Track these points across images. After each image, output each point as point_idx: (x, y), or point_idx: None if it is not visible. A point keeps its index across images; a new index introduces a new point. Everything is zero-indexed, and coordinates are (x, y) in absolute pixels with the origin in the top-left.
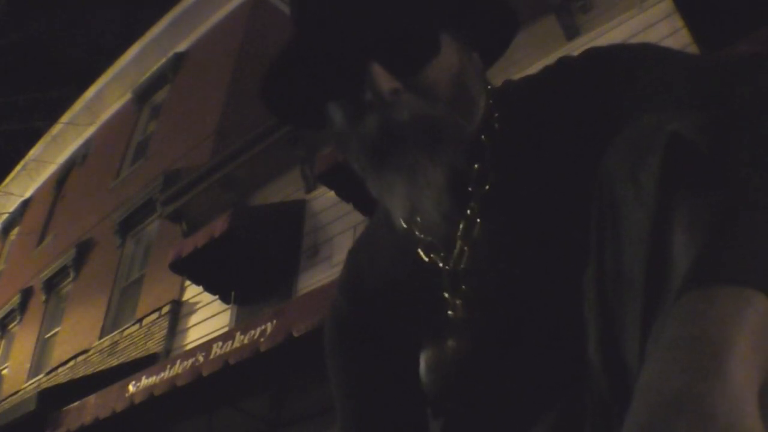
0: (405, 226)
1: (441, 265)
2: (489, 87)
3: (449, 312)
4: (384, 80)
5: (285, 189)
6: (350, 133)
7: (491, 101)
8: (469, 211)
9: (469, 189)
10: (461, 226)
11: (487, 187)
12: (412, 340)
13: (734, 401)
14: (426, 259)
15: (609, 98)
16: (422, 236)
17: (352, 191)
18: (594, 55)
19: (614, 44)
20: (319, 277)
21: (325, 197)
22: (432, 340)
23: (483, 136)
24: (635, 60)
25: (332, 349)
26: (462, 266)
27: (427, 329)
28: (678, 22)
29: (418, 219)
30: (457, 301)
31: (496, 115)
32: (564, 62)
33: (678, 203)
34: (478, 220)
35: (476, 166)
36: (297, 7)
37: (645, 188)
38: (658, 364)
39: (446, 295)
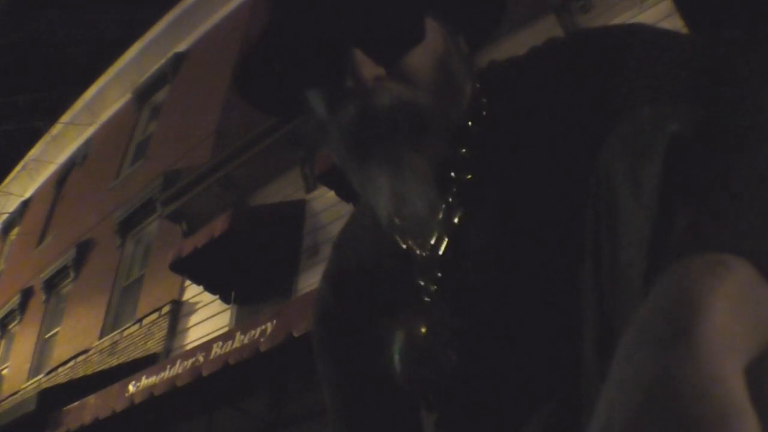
0: (386, 215)
1: (418, 252)
2: (475, 71)
3: (425, 298)
4: (366, 67)
5: (285, 189)
6: (330, 122)
7: (478, 85)
8: (450, 198)
9: (452, 175)
10: (441, 213)
11: (470, 174)
12: (393, 329)
13: (705, 369)
14: (404, 246)
15: (601, 84)
16: (401, 224)
17: (352, 191)
18: (584, 37)
19: (604, 27)
20: (319, 277)
21: (325, 197)
22: (404, 324)
23: (470, 122)
24: (628, 44)
25: (318, 341)
26: (439, 253)
27: (402, 315)
28: (678, 22)
29: (399, 207)
30: (432, 287)
31: (484, 100)
32: (553, 44)
33: (678, 205)
34: (459, 208)
35: (462, 151)
36: None
37: (645, 191)
38: (625, 340)
39: (421, 282)
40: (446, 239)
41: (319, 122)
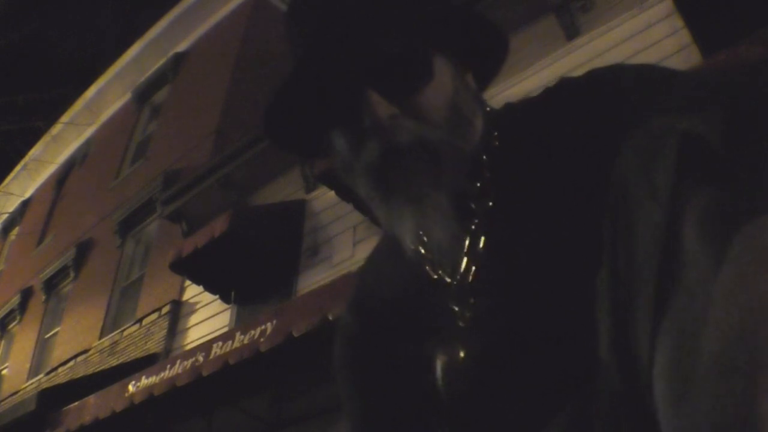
0: (412, 248)
1: (449, 280)
2: (487, 108)
3: (460, 323)
4: (381, 107)
5: (285, 189)
6: (353, 160)
7: (489, 120)
8: (473, 227)
9: (472, 206)
10: (466, 242)
11: (490, 203)
12: (421, 356)
13: None
14: (434, 276)
15: (615, 114)
16: (429, 255)
17: (352, 191)
18: (597, 75)
19: (616, 64)
20: (319, 277)
21: (325, 197)
22: (444, 349)
23: (484, 156)
24: (640, 77)
25: (342, 369)
26: (469, 280)
27: (438, 341)
28: (678, 22)
29: (425, 241)
30: (467, 313)
31: (496, 133)
32: (566, 82)
33: (689, 200)
34: (483, 235)
35: (478, 184)
36: (292, 41)
37: (659, 188)
38: (737, 268)
39: (455, 308)
40: (473, 266)
41: (343, 161)
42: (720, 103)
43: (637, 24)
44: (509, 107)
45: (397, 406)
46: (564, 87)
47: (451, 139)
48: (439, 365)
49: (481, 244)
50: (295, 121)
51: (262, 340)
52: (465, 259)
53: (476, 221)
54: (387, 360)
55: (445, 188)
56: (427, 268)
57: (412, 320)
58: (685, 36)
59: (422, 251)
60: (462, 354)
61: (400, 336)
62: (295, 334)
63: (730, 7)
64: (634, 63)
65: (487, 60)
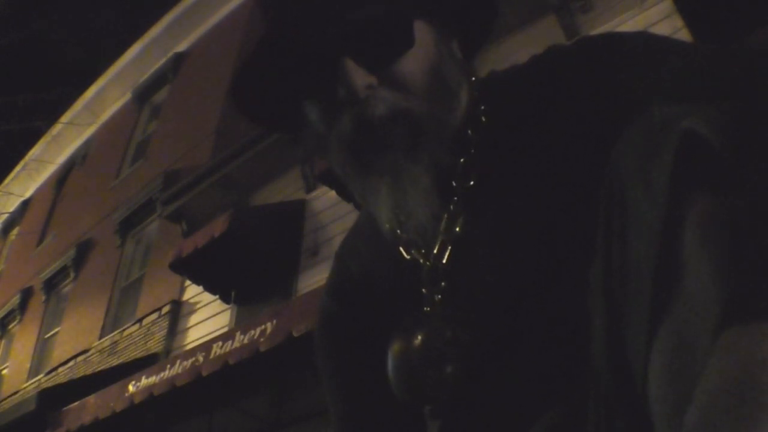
0: (388, 226)
1: (421, 261)
2: (473, 78)
3: (426, 308)
4: (357, 76)
5: (285, 189)
6: (327, 133)
7: (476, 93)
8: (452, 207)
9: (453, 184)
10: (443, 222)
11: (472, 182)
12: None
13: None
14: (407, 257)
15: (608, 88)
16: (404, 234)
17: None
18: (588, 43)
19: (609, 32)
20: (319, 277)
21: (325, 197)
22: (400, 334)
23: (469, 130)
24: (636, 49)
25: (321, 351)
26: (443, 262)
27: (401, 324)
28: (678, 22)
29: (402, 218)
30: (436, 297)
31: (483, 107)
32: (555, 51)
33: (690, 201)
34: (461, 216)
35: (462, 160)
36: (265, 6)
37: (656, 185)
38: (706, 410)
39: (424, 290)
40: (449, 248)
41: (317, 134)
42: (728, 98)
43: (637, 24)
44: (495, 76)
45: (376, 389)
46: (554, 57)
47: (433, 110)
48: (390, 354)
49: (459, 226)
50: (266, 93)
51: (262, 340)
52: (440, 240)
53: (456, 200)
54: (365, 343)
55: (425, 162)
56: (400, 248)
57: (388, 304)
58: (685, 36)
59: (398, 231)
60: (418, 340)
61: (376, 320)
62: (295, 334)
63: (730, 7)
64: (629, 31)
65: (474, 26)
